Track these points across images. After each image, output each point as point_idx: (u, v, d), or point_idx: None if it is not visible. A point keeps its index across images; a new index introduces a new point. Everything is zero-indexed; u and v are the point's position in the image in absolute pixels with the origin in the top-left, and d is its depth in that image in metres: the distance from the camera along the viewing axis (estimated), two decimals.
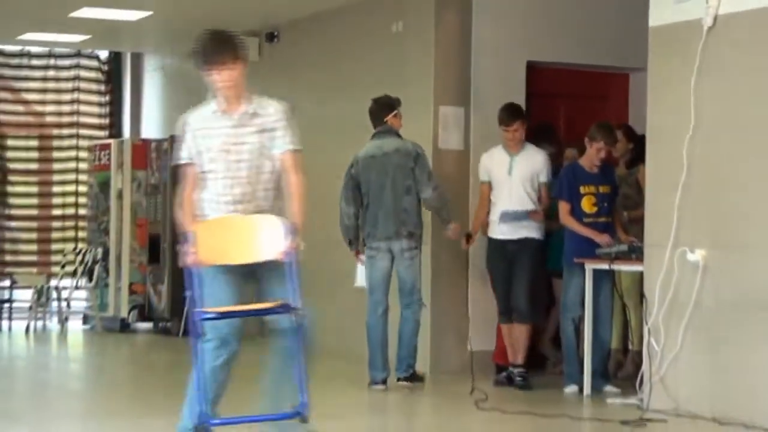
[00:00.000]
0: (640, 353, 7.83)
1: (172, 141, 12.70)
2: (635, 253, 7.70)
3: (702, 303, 6.98)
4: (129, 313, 12.73)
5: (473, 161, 9.28)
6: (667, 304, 7.17)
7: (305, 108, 11.55)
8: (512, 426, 6.58)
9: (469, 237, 8.48)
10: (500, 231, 8.34)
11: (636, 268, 7.69)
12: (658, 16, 7.39)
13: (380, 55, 10.20)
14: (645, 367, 7.33)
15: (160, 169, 12.83)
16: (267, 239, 5.36)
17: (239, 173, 5.44)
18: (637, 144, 8.51)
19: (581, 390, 7.97)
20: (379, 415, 7.59)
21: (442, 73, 9.44)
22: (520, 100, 9.36)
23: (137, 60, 15.16)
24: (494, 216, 8.38)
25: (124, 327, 12.65)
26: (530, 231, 8.31)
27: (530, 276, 8.28)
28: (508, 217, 8.29)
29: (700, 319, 6.99)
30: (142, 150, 13.16)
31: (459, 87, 9.44)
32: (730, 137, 6.91)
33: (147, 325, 12.92)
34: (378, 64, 10.25)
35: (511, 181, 8.32)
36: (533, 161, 8.36)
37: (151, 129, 14.81)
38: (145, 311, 12.80)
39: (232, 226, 5.43)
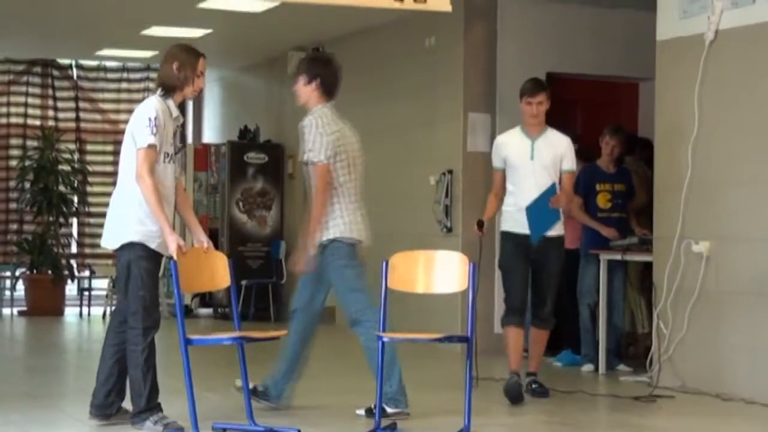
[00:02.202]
0: (649, 335, 7.79)
1: (230, 145, 12.80)
2: (645, 245, 7.68)
3: (706, 289, 6.93)
4: (192, 300, 12.83)
5: None
6: (674, 291, 7.13)
7: (347, 114, 11.57)
8: (532, 400, 6.55)
9: (481, 224, 6.75)
10: (521, 224, 6.61)
11: (646, 258, 7.65)
12: (664, 30, 7.35)
13: (415, 67, 10.21)
14: (654, 348, 7.30)
15: (219, 171, 12.92)
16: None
17: None
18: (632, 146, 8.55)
19: (597, 368, 7.94)
20: None
21: (471, 83, 9.44)
22: None
23: None
24: (511, 207, 6.68)
25: (188, 313, 12.75)
26: (558, 226, 6.70)
27: (558, 280, 6.77)
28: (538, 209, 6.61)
29: (704, 304, 6.94)
30: (203, 153, 13.28)
31: (486, 95, 9.43)
32: (730, 140, 6.86)
33: (207, 311, 13.02)
34: (413, 75, 10.25)
35: (534, 166, 6.64)
36: (557, 145, 6.73)
37: (211, 134, 14.90)
38: (206, 298, 12.91)
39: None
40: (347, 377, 7.86)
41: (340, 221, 5.81)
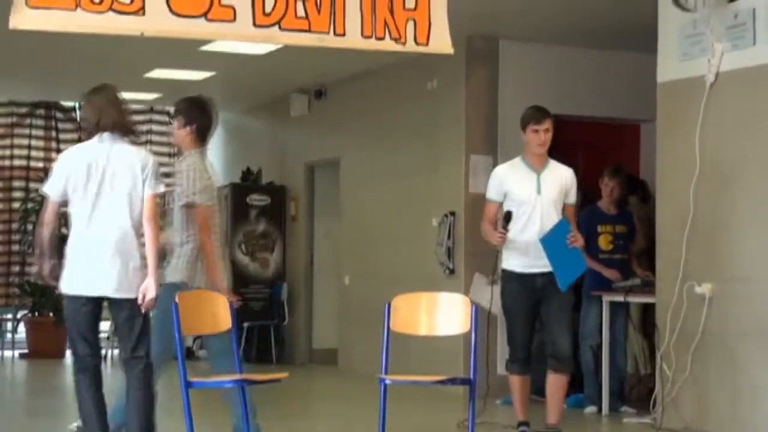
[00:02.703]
0: (652, 377, 7.78)
1: (233, 187, 12.84)
2: (648, 287, 7.70)
3: (708, 331, 6.93)
4: (194, 342, 12.80)
5: None
6: (677, 333, 7.12)
7: (350, 156, 11.64)
8: None
9: (509, 217, 6.27)
10: (525, 263, 6.28)
11: (648, 299, 7.65)
12: (665, 72, 7.40)
13: (417, 109, 10.26)
14: (657, 389, 7.28)
15: (222, 213, 12.91)
16: None
17: None
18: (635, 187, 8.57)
19: (600, 410, 7.92)
20: None
21: (472, 125, 9.49)
22: None
23: None
24: (516, 245, 6.30)
25: (189, 354, 12.70)
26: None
27: (570, 316, 6.41)
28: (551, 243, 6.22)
29: (706, 346, 6.94)
30: None
31: (487, 138, 9.47)
32: (731, 181, 6.89)
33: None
34: (415, 118, 10.31)
35: (541, 201, 6.29)
36: (562, 177, 6.44)
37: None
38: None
39: None
40: (344, 418, 7.83)
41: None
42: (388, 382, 5.24)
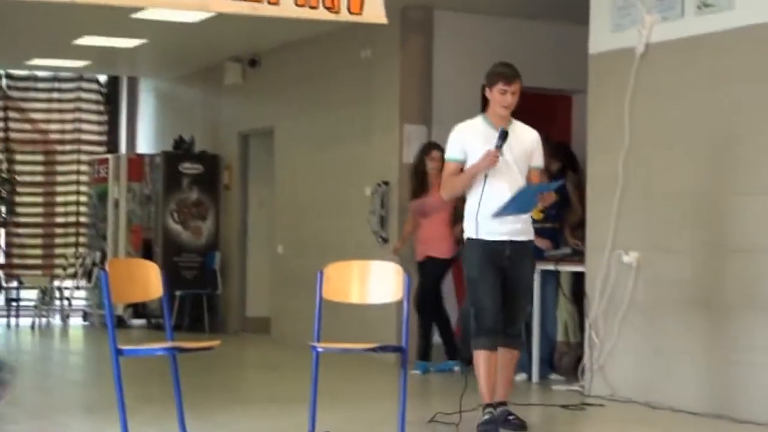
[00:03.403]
0: (581, 344, 7.90)
1: (165, 156, 12.75)
2: (578, 256, 7.80)
3: (635, 299, 7.05)
4: (125, 310, 12.72)
5: None
6: (605, 301, 7.24)
7: (284, 126, 11.60)
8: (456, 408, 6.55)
9: (505, 135, 5.70)
10: (493, 230, 5.73)
11: (578, 268, 7.76)
12: (596, 44, 7.48)
13: (351, 78, 10.25)
14: (586, 357, 7.39)
15: (153, 181, 12.85)
16: None
17: None
18: (566, 159, 8.64)
19: (530, 378, 8.03)
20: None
21: (407, 94, 9.51)
22: None
23: (133, 83, 15.17)
24: (479, 211, 5.73)
25: (121, 323, 12.64)
26: (529, 231, 5.91)
27: (530, 292, 6.17)
28: (516, 206, 5.70)
29: (633, 314, 7.06)
30: (137, 164, 13.19)
31: (421, 107, 9.50)
32: (659, 152, 6.99)
33: (141, 321, 12.93)
34: (349, 87, 10.30)
35: (506, 162, 5.72)
36: (526, 139, 5.86)
37: (145, 145, 14.80)
38: (138, 309, 12.82)
39: None
40: (276, 386, 7.86)
41: None
42: (320, 350, 5.26)
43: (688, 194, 6.75)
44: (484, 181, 5.69)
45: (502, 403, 5.80)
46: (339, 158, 10.46)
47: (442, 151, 8.45)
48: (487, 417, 5.66)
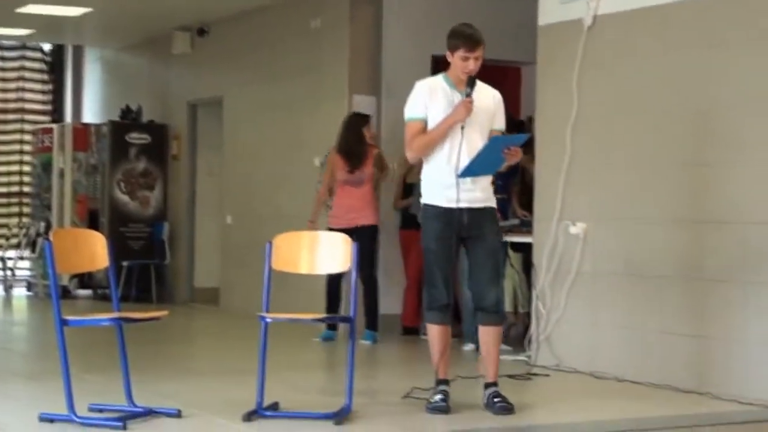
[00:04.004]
0: (529, 315, 7.96)
1: (112, 125, 12.61)
2: (526, 227, 7.85)
3: (582, 271, 7.11)
4: (70, 281, 12.61)
5: (384, 144, 9.35)
6: (552, 272, 7.29)
7: (233, 95, 11.52)
8: (410, 380, 6.58)
9: (473, 82, 5.51)
10: (449, 197, 5.42)
11: (526, 239, 7.81)
12: (545, 16, 7.50)
13: (301, 48, 10.20)
14: (533, 327, 7.46)
15: (99, 151, 12.72)
16: None
17: None
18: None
19: (477, 348, 8.07)
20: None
21: (356, 65, 9.48)
22: None
23: (78, 51, 14.97)
24: (436, 176, 5.48)
25: (66, 294, 12.53)
26: (490, 198, 5.56)
27: (500, 260, 5.69)
28: (478, 168, 5.39)
29: (580, 285, 7.12)
30: (82, 133, 13.05)
31: (371, 78, 9.48)
32: (606, 124, 7.04)
33: (87, 292, 12.83)
34: (298, 57, 10.25)
35: (466, 127, 5.40)
36: (488, 99, 5.57)
37: (91, 114, 14.64)
38: (84, 279, 12.72)
39: None
40: (224, 357, 7.85)
41: None
42: (268, 320, 5.25)
43: (635, 165, 6.81)
44: (443, 145, 5.40)
45: (493, 384, 5.51)
46: (288, 128, 10.42)
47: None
48: (438, 396, 5.42)
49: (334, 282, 8.46)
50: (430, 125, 5.47)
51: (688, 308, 6.40)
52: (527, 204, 8.36)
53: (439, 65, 9.60)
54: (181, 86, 12.53)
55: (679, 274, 6.47)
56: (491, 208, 5.55)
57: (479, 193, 5.48)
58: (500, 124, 5.58)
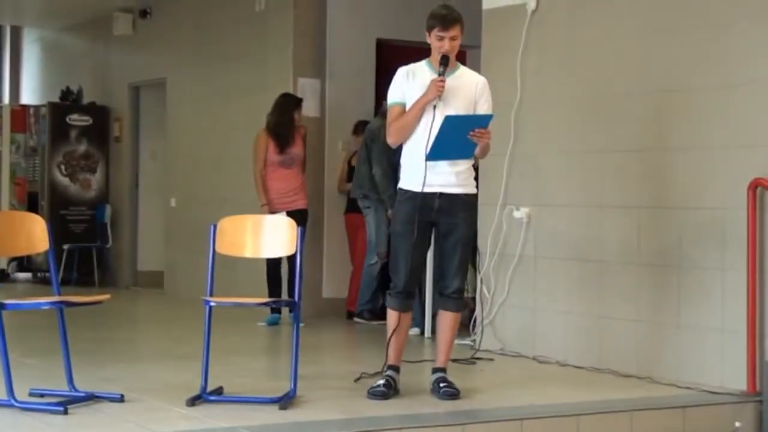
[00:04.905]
0: (474, 299, 8.01)
1: (51, 107, 12.45)
2: None
3: (525, 255, 7.17)
4: (8, 264, 12.45)
5: (328, 126, 9.36)
6: (497, 256, 7.34)
7: (177, 78, 11.42)
8: (354, 365, 6.61)
9: (446, 60, 5.46)
10: (422, 181, 5.34)
11: None
12: None
13: (244, 30, 10.14)
14: (477, 311, 7.51)
15: (39, 133, 12.55)
16: None
17: None
18: None
19: (422, 332, 8.12)
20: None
21: (300, 48, 9.45)
22: (371, 73, 9.49)
23: (16, 32, 14.75)
24: (411, 159, 5.44)
25: (4, 277, 12.38)
26: (467, 183, 5.49)
27: (468, 249, 5.63)
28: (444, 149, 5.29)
29: (523, 270, 7.18)
30: (21, 115, 12.87)
31: (315, 61, 9.46)
32: (549, 109, 7.09)
33: (26, 275, 12.68)
34: (243, 39, 10.19)
35: (444, 109, 5.36)
36: (470, 85, 5.53)
37: (30, 96, 14.44)
38: (23, 263, 12.57)
39: None
40: (168, 341, 7.81)
41: None
42: (212, 304, 5.24)
43: (577, 151, 6.87)
44: (420, 129, 5.35)
45: (440, 369, 5.53)
46: (232, 111, 10.36)
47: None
48: (381, 382, 5.40)
49: (274, 266, 8.43)
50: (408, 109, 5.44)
51: (628, 293, 6.49)
52: None
53: (383, 49, 9.63)
54: (122, 68, 12.40)
55: (619, 259, 6.54)
56: (467, 195, 5.48)
57: (454, 178, 5.40)
58: (485, 109, 5.49)
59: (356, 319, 8.91)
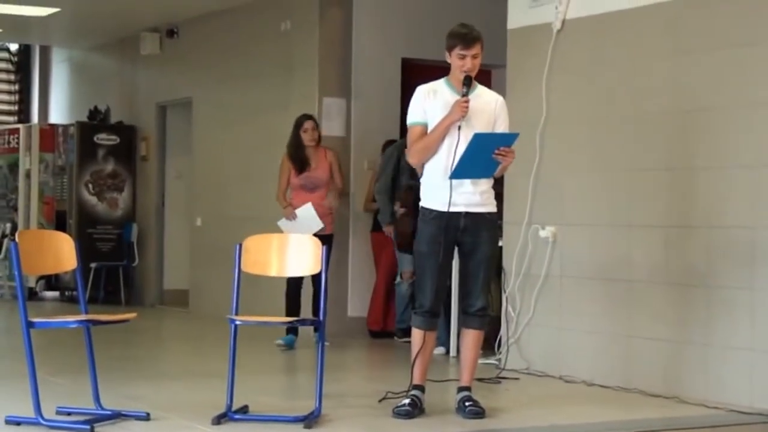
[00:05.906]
0: (499, 319, 7.99)
1: (79, 126, 12.55)
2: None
3: (551, 274, 7.15)
4: (36, 282, 12.53)
5: (353, 146, 9.39)
6: (522, 276, 7.33)
7: (203, 97, 11.49)
8: (378, 384, 6.59)
9: (469, 81, 5.46)
10: (446, 199, 5.37)
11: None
12: (515, 19, 7.55)
13: (270, 50, 10.20)
14: (503, 331, 7.49)
15: (67, 152, 12.65)
16: None
17: None
18: None
19: (448, 351, 8.11)
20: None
21: (326, 67, 9.49)
22: (396, 92, 9.52)
23: (45, 52, 14.88)
24: (434, 179, 5.45)
25: (32, 296, 12.46)
26: (489, 203, 5.53)
27: (492, 267, 5.65)
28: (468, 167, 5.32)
29: (549, 289, 7.17)
30: (49, 134, 12.98)
31: (341, 80, 9.49)
32: (574, 128, 7.09)
33: (54, 294, 12.76)
34: (268, 59, 10.24)
35: (467, 130, 5.36)
36: (489, 104, 5.54)
37: (58, 115, 14.55)
38: (51, 281, 12.65)
39: None
40: (193, 359, 7.83)
41: None
42: (238, 322, 5.25)
43: (603, 169, 6.86)
44: (442, 148, 5.37)
45: (465, 388, 5.53)
46: (257, 130, 10.41)
47: (315, 120, 8.42)
48: (407, 401, 5.41)
49: (295, 285, 8.40)
50: (430, 129, 5.45)
51: (655, 312, 6.46)
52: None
53: (408, 68, 9.66)
54: (149, 87, 12.49)
55: (646, 279, 6.52)
56: (490, 214, 5.51)
57: (478, 197, 5.44)
58: (503, 128, 5.52)
59: (396, 339, 8.90)
